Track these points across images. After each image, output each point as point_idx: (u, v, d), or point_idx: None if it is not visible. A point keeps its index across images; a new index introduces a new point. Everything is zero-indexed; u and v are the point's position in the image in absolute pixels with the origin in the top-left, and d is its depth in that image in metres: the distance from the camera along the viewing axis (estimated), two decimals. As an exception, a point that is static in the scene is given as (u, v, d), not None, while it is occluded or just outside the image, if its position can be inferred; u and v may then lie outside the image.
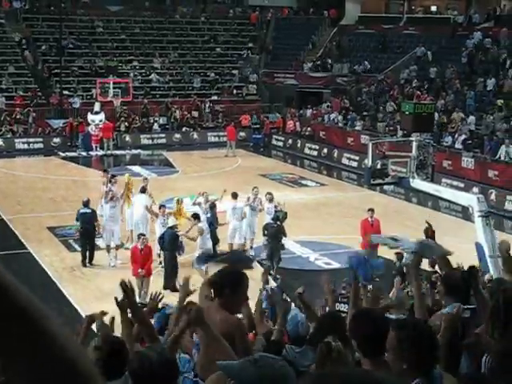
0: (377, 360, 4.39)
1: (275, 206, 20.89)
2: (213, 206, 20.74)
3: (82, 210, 21.18)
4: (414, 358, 4.07)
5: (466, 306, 4.79)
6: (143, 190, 21.72)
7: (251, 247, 21.76)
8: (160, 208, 20.56)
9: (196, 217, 19.23)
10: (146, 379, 3.94)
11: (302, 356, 6.47)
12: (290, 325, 6.96)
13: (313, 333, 6.54)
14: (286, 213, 20.49)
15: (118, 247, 21.00)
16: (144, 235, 18.38)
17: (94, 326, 7.06)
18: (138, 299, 16.13)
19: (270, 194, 21.77)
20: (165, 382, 3.97)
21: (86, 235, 20.96)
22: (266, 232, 19.91)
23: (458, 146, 32.63)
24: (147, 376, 3.93)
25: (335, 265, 19.93)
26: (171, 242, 18.76)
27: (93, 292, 18.32)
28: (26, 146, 38.95)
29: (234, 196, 21.51)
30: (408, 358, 4.09)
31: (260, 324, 7.69)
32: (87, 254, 20.81)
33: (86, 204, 21.11)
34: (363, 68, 45.24)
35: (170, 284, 18.36)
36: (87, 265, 20.62)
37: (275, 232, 19.74)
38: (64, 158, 37.11)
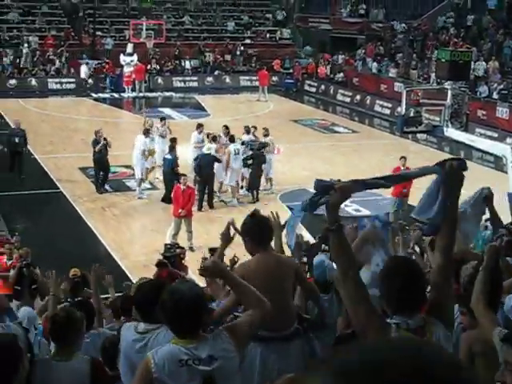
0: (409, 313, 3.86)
1: (253, 138, 21.97)
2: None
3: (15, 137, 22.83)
4: (388, 294, 3.92)
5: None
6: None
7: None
8: (161, 120, 22.82)
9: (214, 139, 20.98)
10: (176, 312, 3.99)
11: (330, 304, 6.36)
12: (317, 270, 6.75)
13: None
14: (267, 142, 21.75)
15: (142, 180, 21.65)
16: (185, 175, 18.39)
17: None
18: (170, 240, 16.30)
19: (253, 127, 22.59)
20: (193, 316, 4.02)
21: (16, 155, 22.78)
22: (253, 161, 20.82)
23: (495, 96, 32.11)
24: (177, 308, 3.99)
25: (365, 212, 19.87)
26: (210, 166, 20.01)
27: (124, 234, 18.51)
28: (58, 86, 39.03)
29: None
30: (384, 294, 3.96)
31: None
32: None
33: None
34: (399, 14, 44.49)
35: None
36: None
37: (263, 160, 21.16)
38: (96, 99, 37.17)
